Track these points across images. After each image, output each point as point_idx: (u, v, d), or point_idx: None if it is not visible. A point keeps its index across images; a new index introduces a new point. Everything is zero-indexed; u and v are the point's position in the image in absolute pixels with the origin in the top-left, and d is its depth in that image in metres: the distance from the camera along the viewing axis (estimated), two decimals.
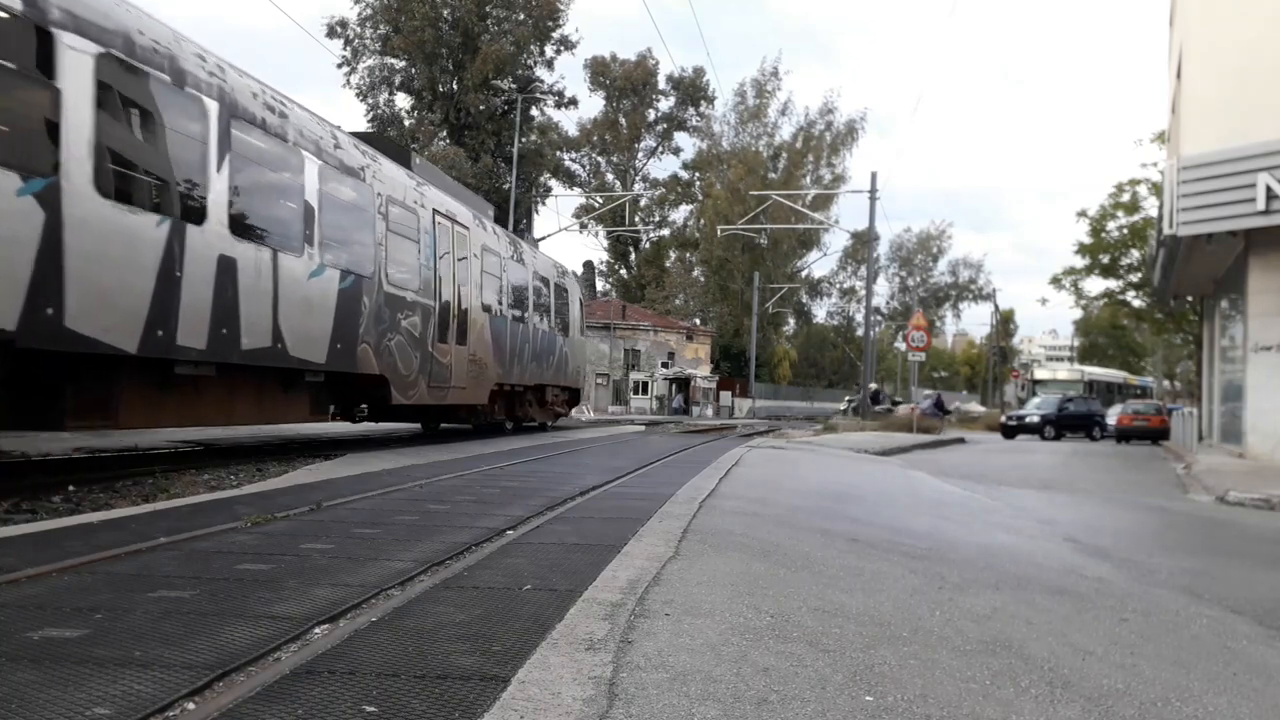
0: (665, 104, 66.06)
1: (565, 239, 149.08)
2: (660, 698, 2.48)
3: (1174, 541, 8.01)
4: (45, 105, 6.46)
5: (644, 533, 5.23)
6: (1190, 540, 8.14)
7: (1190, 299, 28.97)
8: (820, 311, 76.41)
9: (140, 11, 7.58)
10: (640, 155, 66.93)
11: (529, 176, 38.72)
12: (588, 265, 74.51)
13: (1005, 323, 77.36)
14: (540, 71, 41.95)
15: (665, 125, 66.33)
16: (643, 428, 25.98)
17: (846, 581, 4.38)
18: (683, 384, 48.59)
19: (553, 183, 43.70)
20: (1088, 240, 36.91)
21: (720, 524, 5.80)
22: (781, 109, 64.49)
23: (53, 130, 6.46)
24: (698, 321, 62.10)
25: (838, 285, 73.29)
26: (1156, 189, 28.60)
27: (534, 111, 40.79)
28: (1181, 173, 16.01)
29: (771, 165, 61.66)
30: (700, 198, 65.10)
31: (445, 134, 39.57)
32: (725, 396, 51.95)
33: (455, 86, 39.99)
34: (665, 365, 51.33)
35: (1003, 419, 34.22)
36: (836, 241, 68.72)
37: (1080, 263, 37.93)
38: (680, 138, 67.19)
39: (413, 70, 39.93)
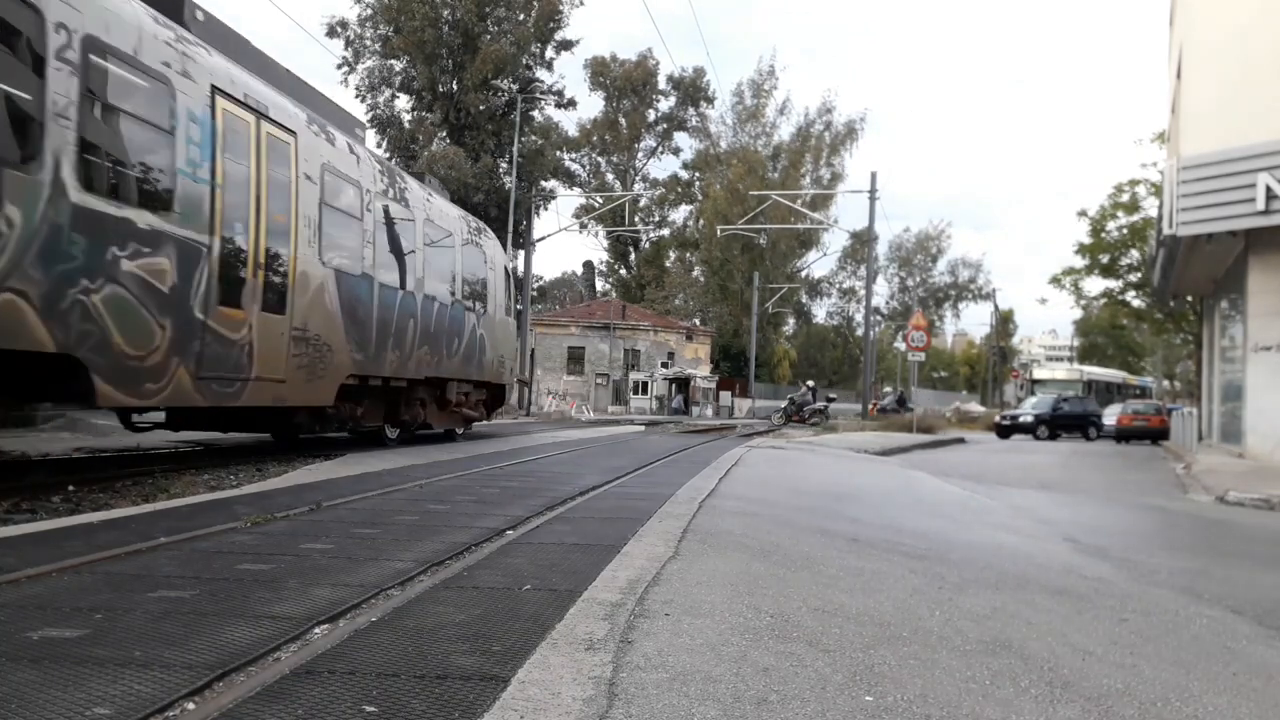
0: (665, 104, 66.16)
1: (565, 239, 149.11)
2: (660, 698, 2.48)
3: (1174, 541, 8.01)
4: None
5: (644, 533, 5.23)
6: (1190, 540, 8.13)
7: (1190, 299, 28.98)
8: (820, 311, 76.46)
9: None
10: (640, 155, 66.98)
11: (529, 176, 38.68)
12: (588, 265, 74.64)
13: (1005, 323, 77.38)
14: (540, 72, 41.95)
15: (665, 125, 66.37)
16: (642, 428, 25.99)
17: (846, 581, 4.38)
18: (683, 384, 48.59)
19: (553, 183, 43.64)
20: (1088, 240, 36.94)
21: (720, 524, 5.80)
22: (780, 109, 64.63)
23: None
24: (697, 321, 62.12)
25: (837, 285, 73.37)
26: (1156, 189, 28.60)
27: (534, 112, 40.75)
28: (1181, 173, 16.01)
29: (771, 165, 61.70)
30: (700, 198, 65.14)
31: (445, 134, 39.57)
32: (725, 396, 51.95)
33: (455, 86, 39.98)
34: (665, 365, 51.33)
35: (997, 419, 34.21)
36: (836, 241, 68.83)
37: (1080, 263, 37.96)
38: (680, 138, 67.30)
39: (413, 70, 39.93)
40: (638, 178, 66.14)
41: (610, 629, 3.10)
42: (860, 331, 62.46)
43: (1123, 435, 28.68)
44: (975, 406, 55.51)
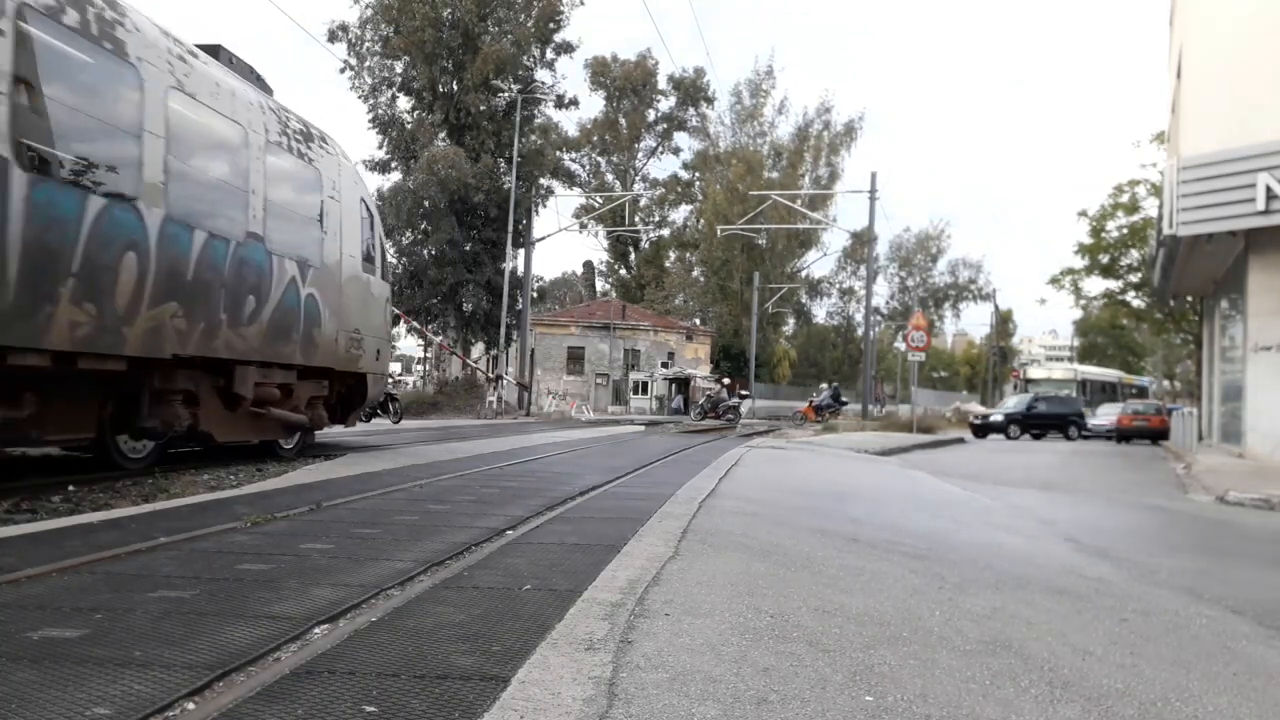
0: (665, 104, 66.14)
1: (565, 239, 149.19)
2: (660, 698, 2.48)
3: (1174, 541, 8.01)
4: None
5: (644, 533, 5.23)
6: (1190, 540, 8.13)
7: (1190, 299, 28.99)
8: (820, 311, 76.44)
9: None
10: (640, 155, 66.95)
11: (529, 176, 38.66)
12: (588, 265, 74.59)
13: (1005, 323, 77.39)
14: (541, 72, 41.93)
15: (665, 125, 66.34)
16: (642, 428, 25.99)
17: (846, 581, 4.38)
18: (682, 384, 48.59)
19: (553, 183, 43.62)
20: (1087, 240, 36.98)
21: (720, 524, 5.80)
22: (779, 108, 64.72)
23: None
24: (697, 321, 62.12)
25: (837, 285, 73.35)
26: (1156, 189, 28.62)
27: (534, 112, 40.75)
28: (1181, 173, 16.01)
29: (770, 165, 61.73)
30: (700, 198, 65.16)
31: (445, 134, 39.55)
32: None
33: (455, 86, 39.96)
34: (665, 365, 51.33)
35: (971, 419, 34.04)
36: (836, 241, 68.85)
37: (1080, 263, 38.00)
38: (680, 138, 67.28)
39: (413, 71, 39.92)
40: (638, 178, 66.13)
41: (610, 629, 3.10)
42: (860, 331, 62.47)
43: (1123, 435, 28.67)
44: (976, 406, 55.48)
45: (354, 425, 12.83)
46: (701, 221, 62.93)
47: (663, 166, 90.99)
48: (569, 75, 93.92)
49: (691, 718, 2.37)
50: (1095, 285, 39.76)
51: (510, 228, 35.48)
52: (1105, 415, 32.62)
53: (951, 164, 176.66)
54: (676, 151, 67.90)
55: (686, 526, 5.49)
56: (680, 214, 70.10)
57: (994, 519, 8.35)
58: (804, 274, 68.99)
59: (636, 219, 62.59)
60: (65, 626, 3.02)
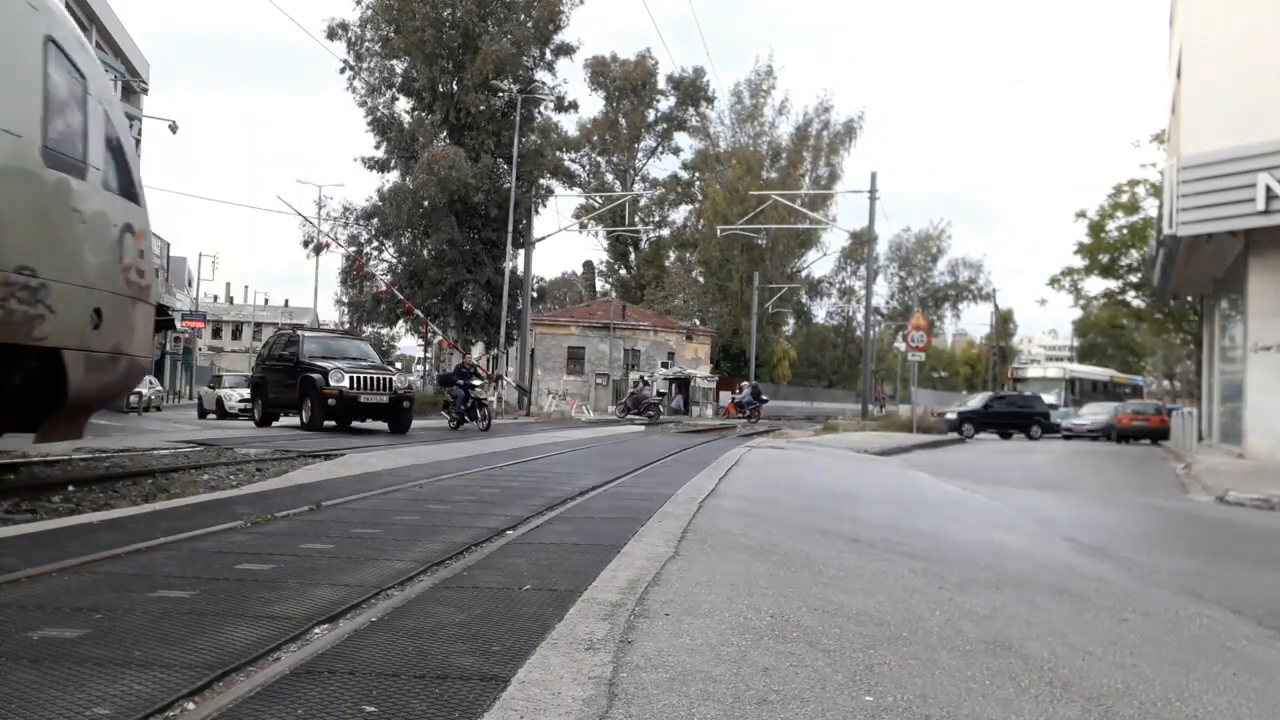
0: (665, 104, 66.14)
1: (565, 239, 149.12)
2: (660, 698, 2.48)
3: (1174, 542, 8.01)
4: None
5: (644, 533, 5.23)
6: (1190, 540, 8.13)
7: (1190, 299, 28.99)
8: (820, 311, 76.42)
9: None
10: (640, 155, 66.95)
11: (529, 176, 38.64)
12: (588, 265, 74.57)
13: (1005, 322, 77.38)
14: (540, 74, 41.91)
15: (665, 125, 66.33)
16: (642, 428, 25.99)
17: (846, 581, 4.38)
18: (683, 384, 48.57)
19: (553, 183, 43.59)
20: (1087, 240, 36.97)
21: (720, 524, 5.80)
22: (778, 108, 64.59)
23: None
24: (697, 322, 62.12)
25: (837, 285, 73.37)
26: (1156, 189, 28.61)
27: (534, 112, 40.72)
28: (1181, 173, 16.01)
29: (770, 165, 61.73)
30: (700, 198, 65.14)
31: (445, 134, 39.53)
32: (725, 396, 51.94)
33: (455, 87, 39.93)
34: (665, 365, 51.33)
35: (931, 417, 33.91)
36: (836, 241, 68.81)
37: (1079, 263, 38.00)
38: (680, 138, 67.28)
39: (413, 71, 39.90)
40: (637, 178, 66.11)
41: (610, 629, 3.10)
42: (860, 331, 62.44)
43: (1122, 435, 28.66)
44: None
45: (62, 437, 7.42)
46: (701, 221, 62.92)
47: (663, 166, 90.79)
48: (569, 77, 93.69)
49: (692, 718, 2.37)
50: (1095, 285, 39.74)
51: (510, 228, 35.46)
52: (1090, 414, 32.13)
53: (951, 164, 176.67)
54: (676, 151, 67.92)
55: (686, 526, 5.49)
56: (680, 214, 70.15)
57: (994, 519, 8.35)
58: (804, 274, 69.02)
59: (636, 219, 62.57)
60: (65, 626, 3.02)
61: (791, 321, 73.05)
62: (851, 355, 71.92)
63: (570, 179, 60.97)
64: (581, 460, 11.36)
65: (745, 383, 45.29)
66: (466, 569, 4.19)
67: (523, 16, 40.58)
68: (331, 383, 15.88)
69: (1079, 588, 4.96)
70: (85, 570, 3.92)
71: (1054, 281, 39.70)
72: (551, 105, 42.36)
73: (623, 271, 70.61)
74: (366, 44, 40.20)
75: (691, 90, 64.20)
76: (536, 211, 39.72)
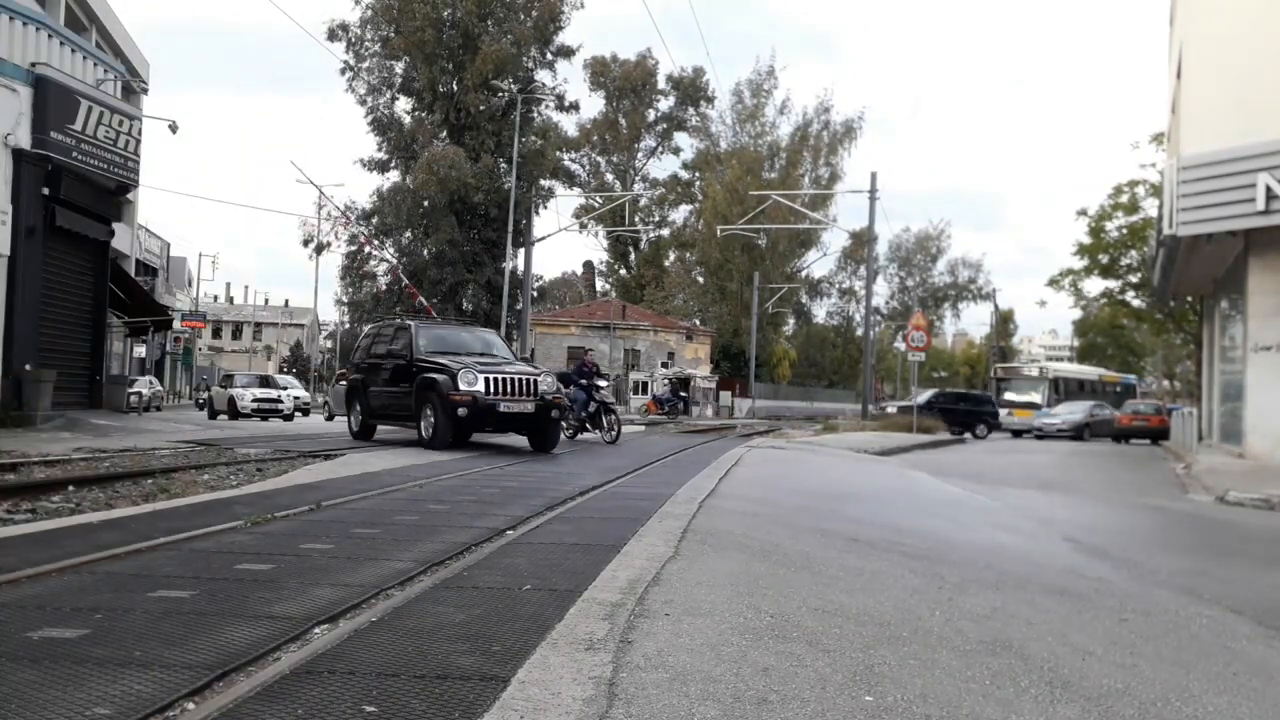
0: (665, 104, 66.13)
1: (565, 239, 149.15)
2: (660, 698, 2.48)
3: (1174, 541, 8.01)
4: None
5: (644, 532, 5.23)
6: (1190, 540, 8.13)
7: (1190, 299, 28.99)
8: (820, 311, 76.37)
9: None
10: (640, 155, 66.96)
11: (529, 176, 38.65)
12: (588, 265, 74.58)
13: (1005, 322, 77.32)
14: (540, 74, 41.94)
15: (665, 125, 66.34)
16: (642, 428, 25.98)
17: (846, 581, 4.38)
18: (683, 384, 48.59)
19: (553, 183, 43.60)
20: (1087, 240, 36.98)
21: (720, 524, 5.80)
22: (779, 108, 64.56)
23: None
24: (697, 322, 62.11)
25: (837, 285, 73.35)
26: (1156, 190, 28.63)
27: (534, 112, 40.74)
28: (1181, 173, 16.01)
29: (770, 165, 61.69)
30: (700, 198, 65.12)
31: (445, 134, 39.54)
32: (725, 396, 51.96)
33: (455, 87, 39.95)
34: (665, 365, 51.32)
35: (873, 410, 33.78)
36: (836, 241, 68.81)
37: (1079, 264, 38.00)
38: (680, 138, 67.28)
39: (413, 71, 39.92)
40: (637, 178, 66.13)
41: (610, 629, 3.10)
42: (860, 331, 62.44)
43: (1122, 435, 28.65)
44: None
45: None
46: (701, 222, 62.91)
47: (663, 166, 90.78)
48: (569, 77, 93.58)
49: (692, 718, 2.37)
50: (1095, 285, 39.71)
51: (510, 228, 35.47)
52: (1063, 414, 31.73)
53: (952, 164, 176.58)
54: (676, 151, 67.92)
55: (686, 526, 5.49)
56: (680, 214, 70.14)
57: (994, 519, 8.34)
58: (804, 274, 68.99)
59: (636, 219, 62.58)
60: (65, 626, 3.02)
61: (791, 321, 73.03)
62: (851, 355, 71.87)
63: (570, 179, 60.90)
64: (582, 460, 11.36)
65: (668, 377, 44.76)
66: (466, 569, 4.19)
67: (522, 17, 40.60)
68: (461, 386, 11.87)
69: (1079, 588, 4.96)
70: (85, 570, 3.92)
71: (1054, 282, 39.71)
72: (551, 105, 42.42)
73: (623, 271, 70.61)
74: (366, 44, 40.26)
75: (691, 90, 64.20)
76: (536, 211, 39.74)
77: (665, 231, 69.66)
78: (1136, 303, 38.93)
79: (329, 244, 41.20)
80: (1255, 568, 6.54)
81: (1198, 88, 17.54)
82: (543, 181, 41.66)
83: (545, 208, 44.03)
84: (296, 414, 27.74)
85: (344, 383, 29.99)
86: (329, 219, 41.43)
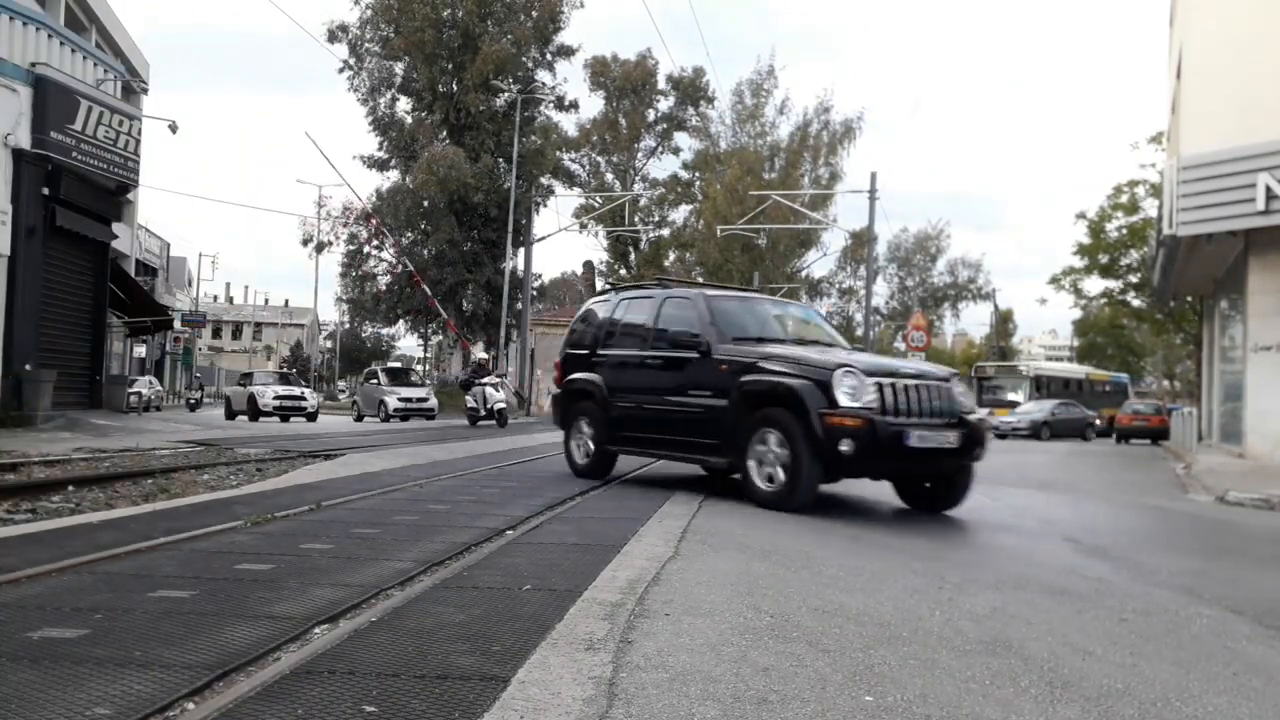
0: (665, 104, 66.04)
1: (565, 239, 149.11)
2: (660, 698, 2.48)
3: (1174, 541, 8.01)
4: None
5: (644, 532, 5.23)
6: (1190, 540, 8.13)
7: (1190, 299, 28.99)
8: (820, 311, 76.35)
9: None
10: (640, 155, 66.90)
11: (529, 176, 38.64)
12: (588, 265, 74.48)
13: (1005, 322, 77.32)
14: (540, 74, 41.91)
15: (665, 125, 66.28)
16: None
17: (846, 581, 4.38)
18: None
19: (553, 183, 43.58)
20: (1087, 240, 37.01)
21: (720, 524, 5.80)
22: (779, 108, 64.50)
23: None
24: None
25: (837, 285, 73.26)
26: (1155, 190, 28.63)
27: (534, 112, 40.73)
28: (1181, 173, 16.01)
29: (769, 165, 61.68)
30: (700, 198, 65.10)
31: (445, 134, 39.54)
32: None
33: (455, 87, 39.96)
34: None
35: None
36: (836, 241, 68.74)
37: (1079, 264, 38.00)
38: (680, 138, 67.16)
39: (413, 72, 39.92)
40: (638, 178, 66.10)
41: (610, 629, 3.10)
42: (860, 331, 62.44)
43: (1123, 435, 28.67)
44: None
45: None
46: (701, 222, 62.88)
47: (663, 166, 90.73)
48: (569, 77, 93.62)
49: (692, 718, 2.37)
50: (1095, 285, 39.68)
51: (510, 228, 35.44)
52: (1023, 413, 31.32)
53: (951, 164, 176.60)
54: (676, 151, 67.79)
55: (686, 526, 5.49)
56: (680, 214, 70.09)
57: (993, 518, 8.34)
58: (804, 274, 68.96)
59: (636, 219, 62.55)
60: (65, 626, 3.02)
61: None
62: None
63: (570, 179, 60.90)
64: None
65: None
66: (466, 569, 4.19)
67: (522, 17, 40.58)
68: (842, 399, 6.75)
69: (1079, 587, 4.96)
70: (85, 570, 3.92)
71: (1054, 281, 39.73)
72: (551, 105, 42.38)
73: (623, 271, 70.58)
74: (366, 44, 40.23)
75: (691, 90, 64.16)
76: (536, 211, 39.71)
77: (665, 231, 69.62)
78: (1136, 303, 38.93)
79: (329, 243, 41.23)
80: (1255, 568, 6.54)
81: (1198, 88, 17.54)
82: (543, 181, 41.64)
83: (545, 208, 44.03)
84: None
85: (376, 380, 28.95)
86: (328, 218, 41.48)
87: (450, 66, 39.91)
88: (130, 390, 24.69)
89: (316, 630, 3.10)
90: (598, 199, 58.92)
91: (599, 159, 66.50)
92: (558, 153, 45.92)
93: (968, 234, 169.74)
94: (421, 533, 5.15)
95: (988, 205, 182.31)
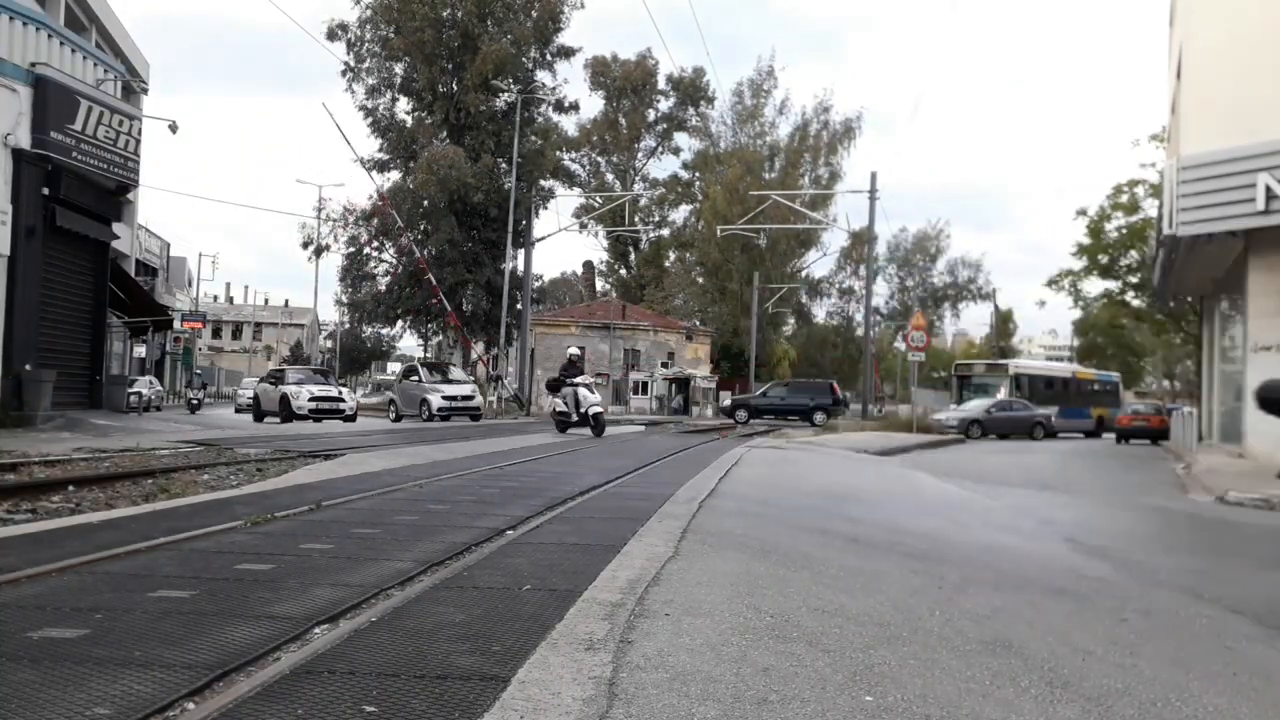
0: (665, 104, 66.07)
1: (565, 239, 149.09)
2: (660, 698, 2.48)
3: (1174, 541, 8.01)
4: None
5: (644, 532, 5.23)
6: (1190, 540, 8.13)
7: (1190, 299, 28.98)
8: (820, 311, 76.19)
9: None
10: (640, 155, 66.93)
11: (529, 176, 38.65)
12: (588, 265, 74.49)
13: (1005, 322, 77.27)
14: (540, 74, 41.94)
15: (665, 125, 66.30)
16: (642, 428, 25.97)
17: (846, 581, 4.38)
18: (682, 384, 48.54)
19: (553, 183, 43.62)
20: (1086, 240, 37.00)
21: (720, 524, 5.80)
22: (779, 108, 64.50)
23: None
24: (697, 322, 62.07)
25: (837, 285, 73.21)
26: (1156, 190, 28.64)
27: (534, 113, 40.75)
28: (1181, 173, 16.00)
29: (769, 165, 61.68)
30: (700, 198, 65.08)
31: (445, 134, 39.55)
32: (725, 396, 51.93)
33: (455, 87, 39.97)
34: (665, 365, 51.31)
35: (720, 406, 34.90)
36: (836, 241, 68.71)
37: (1078, 265, 38.00)
38: (680, 138, 67.18)
39: (413, 72, 39.94)
40: (637, 178, 66.11)
41: (610, 629, 3.10)
42: (860, 331, 62.40)
43: (1123, 435, 28.66)
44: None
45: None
46: (701, 222, 62.87)
47: (663, 166, 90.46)
48: (569, 78, 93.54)
49: (692, 718, 2.37)
50: (1094, 286, 39.67)
51: (510, 228, 35.44)
52: (959, 410, 31.01)
53: (952, 163, 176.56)
54: (676, 151, 67.81)
55: (686, 526, 5.49)
56: (680, 214, 70.07)
57: (994, 519, 8.34)
58: (804, 274, 68.94)
59: (636, 219, 62.54)
60: (65, 626, 3.02)
61: (791, 321, 72.93)
62: (851, 355, 71.71)
63: (570, 179, 60.89)
64: (581, 460, 11.35)
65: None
66: (466, 569, 4.19)
67: (522, 17, 40.60)
68: None
69: (1079, 588, 4.96)
70: (85, 570, 3.92)
71: (1053, 282, 39.73)
72: (551, 105, 42.39)
73: (623, 271, 70.59)
74: (366, 45, 40.26)
75: (691, 90, 64.17)
76: (536, 212, 39.72)
77: (665, 231, 69.63)
78: (1136, 303, 38.92)
79: (328, 246, 41.24)
80: (1255, 568, 6.54)
81: (1198, 88, 17.54)
82: (543, 181, 41.66)
83: (545, 208, 44.03)
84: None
85: (417, 377, 26.43)
86: (328, 220, 41.49)
87: (450, 66, 39.93)
88: (130, 390, 24.60)
89: (316, 630, 3.10)
90: (598, 199, 58.92)
91: (599, 159, 66.55)
92: (558, 153, 45.93)
93: (968, 234, 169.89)
94: (421, 533, 5.15)
95: (988, 205, 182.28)
